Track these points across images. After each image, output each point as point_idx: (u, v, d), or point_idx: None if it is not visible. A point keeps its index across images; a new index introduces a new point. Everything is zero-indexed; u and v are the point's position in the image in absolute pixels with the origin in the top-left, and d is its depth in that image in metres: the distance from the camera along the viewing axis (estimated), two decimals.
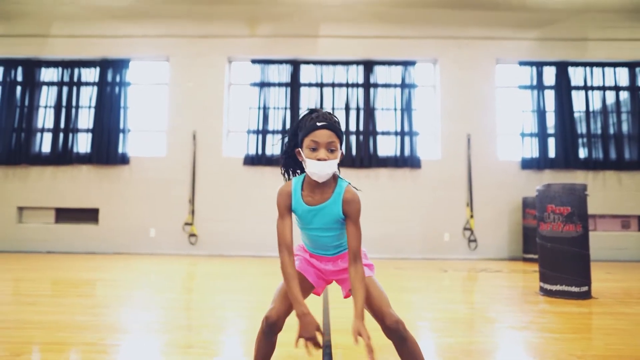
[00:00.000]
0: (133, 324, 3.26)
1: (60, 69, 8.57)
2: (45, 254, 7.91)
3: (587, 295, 4.27)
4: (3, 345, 2.63)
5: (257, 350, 1.79)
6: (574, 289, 4.24)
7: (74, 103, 8.48)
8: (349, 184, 1.79)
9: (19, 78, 8.58)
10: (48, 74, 8.61)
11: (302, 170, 1.85)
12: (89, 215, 8.30)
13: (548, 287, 4.39)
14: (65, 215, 8.34)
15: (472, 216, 8.15)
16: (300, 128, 1.74)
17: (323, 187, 1.75)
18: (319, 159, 1.66)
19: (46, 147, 8.41)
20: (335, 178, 1.78)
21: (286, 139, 1.88)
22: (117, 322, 3.29)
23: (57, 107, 8.46)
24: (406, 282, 5.42)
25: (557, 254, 4.35)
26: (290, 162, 1.88)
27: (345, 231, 1.79)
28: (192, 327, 3.26)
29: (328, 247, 1.85)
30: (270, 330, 1.72)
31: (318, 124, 1.68)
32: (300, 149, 1.75)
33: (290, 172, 1.91)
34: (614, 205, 8.21)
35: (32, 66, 8.57)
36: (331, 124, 1.69)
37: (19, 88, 8.56)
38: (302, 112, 1.80)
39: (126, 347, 2.69)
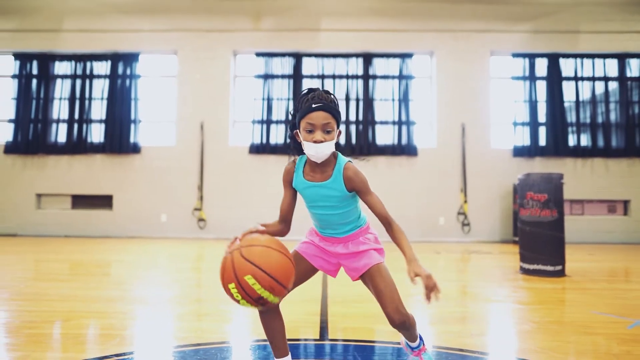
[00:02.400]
0: (155, 298, 3.75)
1: (73, 62, 8.98)
2: (63, 237, 8.42)
3: (561, 274, 4.73)
4: (51, 314, 3.12)
5: (266, 334, 1.81)
6: (549, 267, 4.70)
7: (87, 95, 8.92)
8: (350, 160, 1.80)
9: (34, 71, 9.01)
10: (62, 68, 9.03)
11: (302, 151, 1.86)
12: (103, 201, 8.79)
13: (527, 266, 4.86)
14: (80, 201, 8.84)
15: (466, 201, 8.59)
16: (297, 109, 1.74)
17: (323, 166, 1.77)
18: (315, 141, 1.67)
19: (62, 137, 8.88)
20: (335, 155, 1.79)
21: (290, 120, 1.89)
22: (142, 296, 3.78)
23: (71, 99, 8.90)
24: (401, 262, 5.88)
25: (535, 236, 4.80)
26: (292, 143, 1.87)
27: (352, 209, 1.82)
28: (205, 300, 3.75)
29: (336, 226, 1.83)
30: (264, 307, 1.71)
31: (313, 105, 1.67)
32: (298, 131, 1.76)
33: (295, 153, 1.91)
34: (601, 190, 8.64)
35: (46, 60, 8.98)
36: (326, 105, 1.68)
37: (34, 81, 8.99)
38: (301, 91, 1.80)
39: (153, 316, 3.19)
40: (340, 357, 2.39)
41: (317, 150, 1.69)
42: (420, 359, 1.97)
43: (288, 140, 1.89)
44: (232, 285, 1.56)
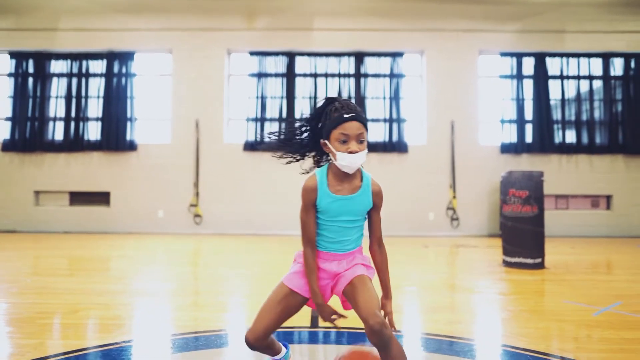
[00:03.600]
0: (155, 290, 3.97)
1: (69, 61, 9.11)
2: (62, 234, 8.59)
3: (540, 266, 4.99)
4: (60, 306, 3.33)
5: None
6: (529, 260, 4.96)
7: (83, 93, 9.06)
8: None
9: (30, 70, 9.12)
10: (58, 66, 9.16)
11: (321, 162, 1.85)
12: (101, 198, 8.96)
13: (509, 259, 5.11)
14: (78, 198, 9.00)
15: (454, 197, 8.85)
16: (326, 119, 1.70)
17: (351, 178, 1.75)
18: (350, 152, 1.65)
19: (59, 135, 9.02)
20: (359, 170, 1.79)
21: (299, 126, 1.84)
22: (142, 289, 3.99)
23: (68, 98, 9.04)
24: (389, 256, 6.13)
25: (517, 231, 5.06)
26: (296, 147, 1.84)
27: (362, 225, 1.82)
28: (203, 292, 3.97)
29: (347, 241, 1.79)
30: (252, 349, 1.77)
31: (345, 115, 1.65)
32: (326, 141, 1.71)
33: (298, 158, 1.87)
34: (585, 186, 8.92)
35: (42, 58, 9.10)
36: (359, 115, 1.67)
37: (30, 79, 9.11)
38: (320, 101, 1.78)
39: (154, 307, 3.40)
40: (333, 342, 2.63)
41: (351, 160, 1.66)
42: None
43: (305, 152, 1.85)
44: None
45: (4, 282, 4.20)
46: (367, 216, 1.82)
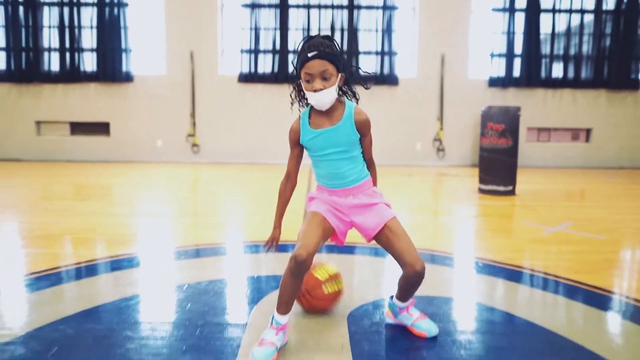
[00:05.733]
0: (160, 212, 4.44)
1: None
2: (65, 162, 8.97)
3: (511, 193, 5.49)
4: (80, 225, 3.79)
5: (283, 289, 1.73)
6: (501, 188, 5.45)
7: (76, 23, 9.03)
8: (356, 104, 1.81)
9: None
10: None
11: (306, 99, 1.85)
12: (101, 128, 9.25)
13: (483, 187, 5.61)
14: (79, 128, 9.29)
15: (441, 129, 9.22)
16: (297, 60, 1.74)
17: (331, 111, 1.77)
18: (314, 90, 1.67)
19: (55, 66, 9.12)
20: (342, 101, 1.80)
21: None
22: (152, 211, 4.47)
23: (61, 27, 9.03)
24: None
25: (492, 161, 5.50)
26: (297, 94, 1.88)
27: (358, 155, 1.84)
28: (202, 214, 4.45)
29: (345, 175, 1.81)
30: (298, 270, 1.67)
31: (309, 54, 1.66)
32: (300, 81, 1.77)
33: (298, 101, 1.90)
34: (567, 119, 9.30)
35: None
36: (321, 53, 1.65)
37: (21, 8, 9.03)
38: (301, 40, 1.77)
39: (160, 226, 3.88)
40: (321, 251, 3.13)
41: (317, 99, 1.70)
42: (409, 313, 1.93)
43: (292, 92, 1.87)
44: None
45: (19, 206, 4.65)
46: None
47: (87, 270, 2.66)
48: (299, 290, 1.81)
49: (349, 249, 3.07)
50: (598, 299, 2.28)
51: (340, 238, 1.88)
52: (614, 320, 2.07)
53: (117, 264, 2.76)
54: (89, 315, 2.03)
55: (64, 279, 2.53)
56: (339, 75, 1.73)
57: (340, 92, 1.82)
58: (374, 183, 1.92)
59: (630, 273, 2.76)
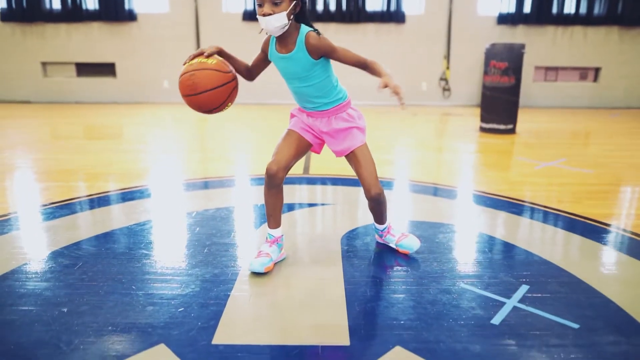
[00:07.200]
0: (173, 149, 4.62)
1: None
2: (74, 104, 9.10)
3: (511, 132, 5.58)
4: (97, 160, 3.99)
5: (266, 204, 1.93)
6: (501, 126, 5.54)
7: None
8: (311, 30, 1.76)
9: None
10: None
11: None
12: (107, 69, 9.28)
13: (484, 125, 5.69)
14: (85, 69, 9.32)
15: (448, 67, 9.14)
16: None
17: (287, 38, 1.77)
18: (264, 15, 1.67)
19: (56, 4, 9.01)
20: (297, 27, 1.77)
21: None
22: (165, 147, 4.65)
23: None
24: (379, 122, 6.71)
25: (494, 100, 5.55)
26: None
27: (325, 81, 1.83)
28: (210, 149, 4.63)
29: (313, 99, 1.85)
30: (270, 182, 1.84)
31: None
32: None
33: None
34: (576, 58, 9.14)
35: None
36: None
37: None
38: None
39: (176, 161, 4.08)
40: (319, 183, 3.32)
41: (265, 23, 1.69)
42: (391, 234, 2.10)
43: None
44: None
45: (33, 144, 4.85)
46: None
47: (103, 201, 2.87)
48: (280, 203, 1.94)
49: (343, 181, 3.25)
50: (575, 224, 2.46)
51: (317, 150, 2.01)
52: (584, 242, 2.26)
53: (131, 195, 2.97)
54: (107, 237, 2.25)
55: (82, 208, 2.75)
56: (293, 2, 1.69)
57: (297, 21, 1.77)
58: (381, 70, 1.78)
59: (609, 202, 2.92)
